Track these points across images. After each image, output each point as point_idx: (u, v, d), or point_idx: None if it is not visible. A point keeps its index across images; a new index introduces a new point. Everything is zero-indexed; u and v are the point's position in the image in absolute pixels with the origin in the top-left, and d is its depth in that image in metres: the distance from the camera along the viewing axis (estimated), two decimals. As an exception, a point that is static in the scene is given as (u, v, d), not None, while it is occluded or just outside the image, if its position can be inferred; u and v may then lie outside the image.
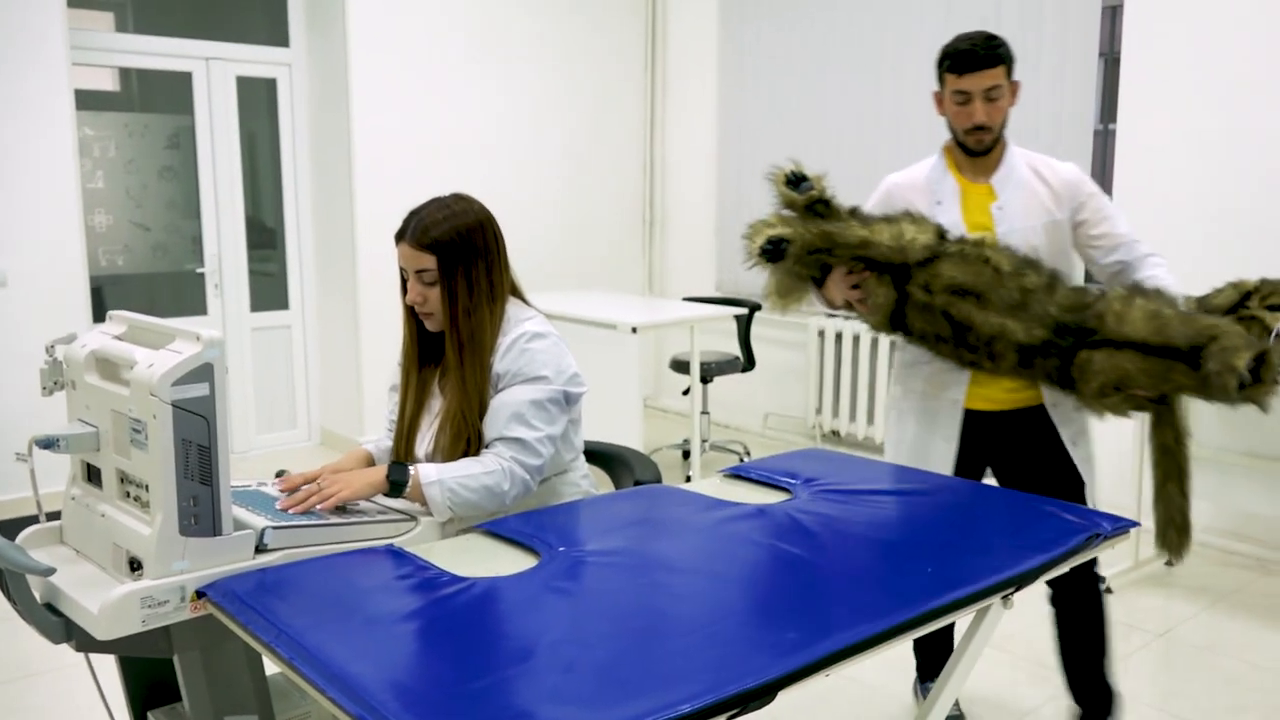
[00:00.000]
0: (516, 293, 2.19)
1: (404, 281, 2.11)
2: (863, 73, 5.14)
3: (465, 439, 2.05)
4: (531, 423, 2.03)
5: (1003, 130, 2.43)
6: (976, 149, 2.42)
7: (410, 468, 1.96)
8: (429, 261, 2.04)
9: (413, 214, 2.09)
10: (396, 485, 1.94)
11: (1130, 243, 2.44)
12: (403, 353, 2.22)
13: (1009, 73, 2.36)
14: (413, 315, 2.15)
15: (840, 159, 5.23)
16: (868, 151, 5.12)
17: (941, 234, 2.30)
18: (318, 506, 1.85)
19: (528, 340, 2.08)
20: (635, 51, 6.33)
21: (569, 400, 2.10)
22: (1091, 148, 4.41)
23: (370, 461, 2.24)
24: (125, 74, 5.36)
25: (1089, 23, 4.36)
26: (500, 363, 2.07)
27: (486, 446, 2.05)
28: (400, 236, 2.08)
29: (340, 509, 1.87)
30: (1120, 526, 1.89)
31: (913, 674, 2.97)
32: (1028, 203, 2.43)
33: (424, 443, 2.14)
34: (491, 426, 2.05)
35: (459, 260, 2.04)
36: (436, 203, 2.09)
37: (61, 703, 2.97)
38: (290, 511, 1.82)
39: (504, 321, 2.11)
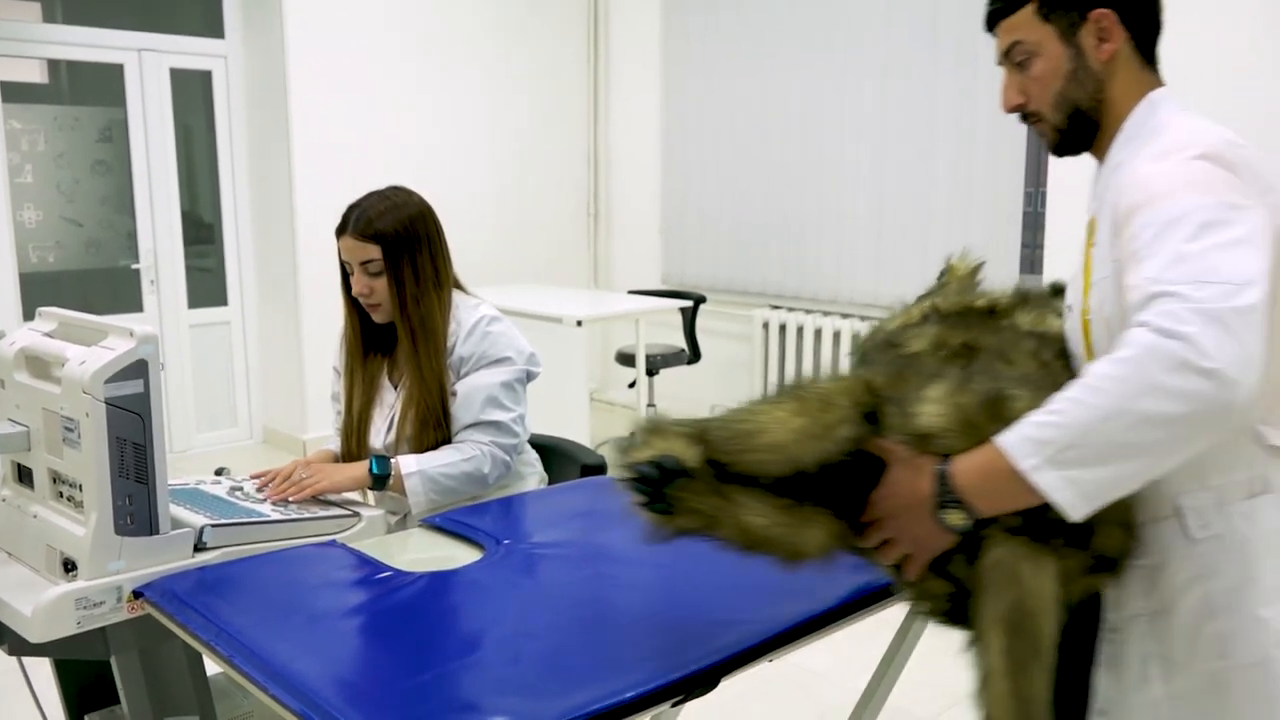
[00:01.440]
0: (457, 284, 2.21)
1: (345, 276, 2.12)
2: (809, 63, 5.18)
3: (432, 424, 2.07)
4: (504, 404, 2.09)
5: (1073, 112, 1.35)
6: (1051, 151, 1.43)
7: (391, 460, 1.98)
8: (374, 252, 2.05)
9: (352, 207, 2.10)
10: (379, 479, 1.98)
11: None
12: (345, 349, 2.21)
13: (1046, 18, 1.33)
14: (355, 309, 2.15)
15: (785, 149, 5.27)
16: (813, 142, 5.17)
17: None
18: (292, 497, 1.87)
19: (488, 324, 2.12)
20: (578, 42, 6.32)
21: (529, 379, 2.16)
22: (1025, 140, 4.49)
23: (336, 460, 2.22)
24: (54, 65, 5.23)
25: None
26: (463, 346, 2.10)
27: (460, 432, 2.08)
28: (342, 230, 2.08)
29: (284, 504, 1.86)
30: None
31: (856, 661, 3.01)
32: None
33: (380, 435, 2.15)
34: (465, 412, 2.08)
35: (403, 249, 2.06)
36: (376, 195, 2.11)
37: (-5, 710, 2.90)
38: (268, 500, 1.85)
39: (454, 308, 2.14)
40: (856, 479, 1.24)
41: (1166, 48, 1.38)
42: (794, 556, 1.25)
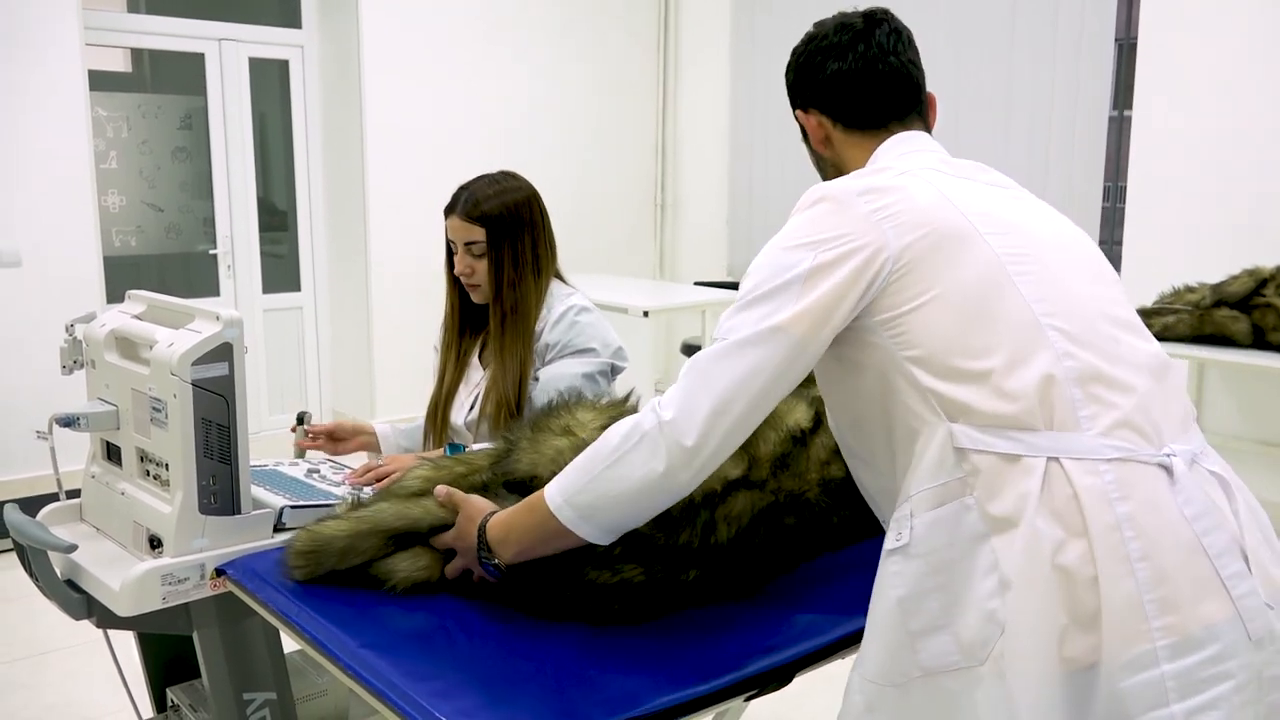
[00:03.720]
0: (558, 273, 2.25)
1: (449, 254, 2.18)
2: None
3: (507, 409, 2.10)
4: (584, 394, 2.07)
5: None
6: None
7: (465, 448, 2.02)
8: (478, 234, 2.10)
9: (462, 188, 2.15)
10: None
11: None
12: (444, 325, 2.27)
13: (796, 117, 1.53)
14: (457, 287, 2.21)
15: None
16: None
17: None
18: (368, 486, 1.87)
19: (576, 314, 2.14)
20: (648, 33, 6.31)
21: (614, 373, 2.16)
22: (1106, 134, 4.39)
23: (375, 441, 2.27)
24: (138, 54, 5.36)
25: (1104, 7, 4.33)
26: (549, 334, 2.13)
27: None
28: (450, 210, 2.14)
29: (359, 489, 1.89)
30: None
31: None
32: None
33: (462, 412, 2.19)
34: (543, 398, 2.09)
35: (506, 233, 2.11)
36: (486, 178, 2.16)
37: (80, 679, 3.00)
38: (346, 484, 1.88)
39: (548, 296, 2.17)
40: None
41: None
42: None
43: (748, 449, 1.47)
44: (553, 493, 1.29)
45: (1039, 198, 1.40)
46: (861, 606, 1.42)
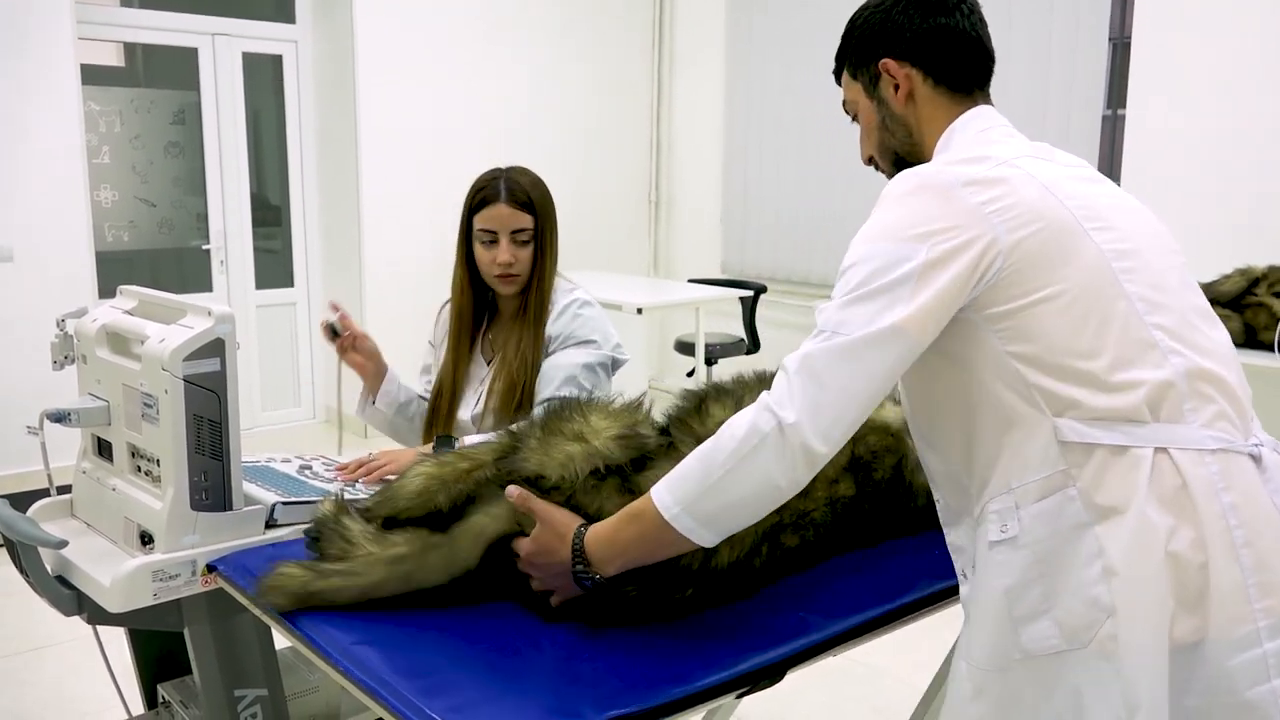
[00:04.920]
0: None
1: (468, 247, 2.14)
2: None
3: (517, 400, 2.10)
4: (582, 384, 2.09)
5: (895, 159, 1.45)
6: None
7: (456, 440, 2.01)
8: (527, 221, 2.10)
9: (495, 177, 2.13)
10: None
11: None
12: (453, 321, 2.23)
13: (854, 77, 1.45)
14: (472, 279, 2.17)
15: (847, 142, 5.20)
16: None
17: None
18: (362, 480, 1.88)
19: (579, 307, 2.15)
20: (642, 31, 6.30)
21: (614, 366, 2.16)
22: (1099, 133, 4.39)
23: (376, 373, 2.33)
24: (131, 49, 5.34)
25: (1099, 6, 4.33)
26: (553, 326, 2.14)
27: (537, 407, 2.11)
28: (493, 198, 2.10)
29: (352, 485, 1.88)
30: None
31: (914, 657, 2.99)
32: None
33: (469, 407, 2.19)
34: (544, 388, 2.10)
35: (547, 221, 2.13)
36: (515, 168, 2.15)
37: (71, 675, 2.99)
38: (338, 481, 1.87)
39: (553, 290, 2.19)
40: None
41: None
42: (414, 582, 1.43)
43: None
44: (666, 502, 1.23)
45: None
46: (852, 604, 1.42)
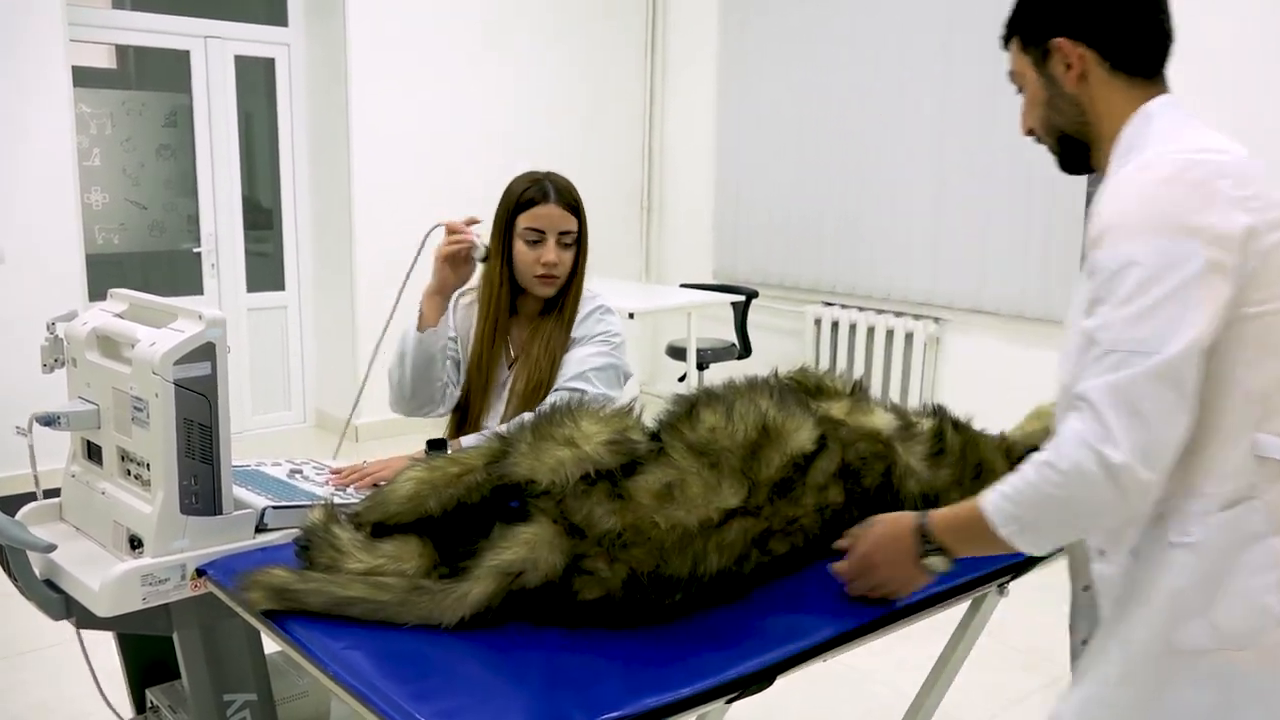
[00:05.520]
0: None
1: (507, 246, 2.12)
2: (866, 57, 5.13)
3: (541, 396, 2.10)
4: (593, 380, 2.11)
5: (1060, 136, 1.41)
6: (1061, 170, 1.49)
7: (448, 442, 1.98)
8: (573, 223, 2.16)
9: (540, 179, 2.14)
10: None
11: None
12: (489, 318, 2.18)
13: (1024, 50, 1.39)
14: (507, 279, 2.15)
15: (841, 144, 5.22)
16: (869, 136, 5.12)
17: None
18: (353, 484, 1.88)
19: (603, 312, 2.21)
20: (635, 36, 6.31)
21: (625, 379, 2.20)
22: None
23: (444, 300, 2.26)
24: (123, 51, 5.33)
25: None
26: (578, 329, 2.18)
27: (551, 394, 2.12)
28: (543, 198, 2.12)
29: (343, 490, 1.88)
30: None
31: (902, 661, 3.00)
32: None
33: (495, 417, 2.17)
34: (559, 378, 2.13)
35: (585, 228, 2.19)
36: (545, 172, 2.17)
37: (62, 679, 2.98)
38: (329, 485, 1.87)
39: None
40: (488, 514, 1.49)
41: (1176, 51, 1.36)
42: (384, 616, 1.39)
43: (748, 473, 1.46)
44: (1008, 530, 1.25)
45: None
46: (843, 608, 1.42)
